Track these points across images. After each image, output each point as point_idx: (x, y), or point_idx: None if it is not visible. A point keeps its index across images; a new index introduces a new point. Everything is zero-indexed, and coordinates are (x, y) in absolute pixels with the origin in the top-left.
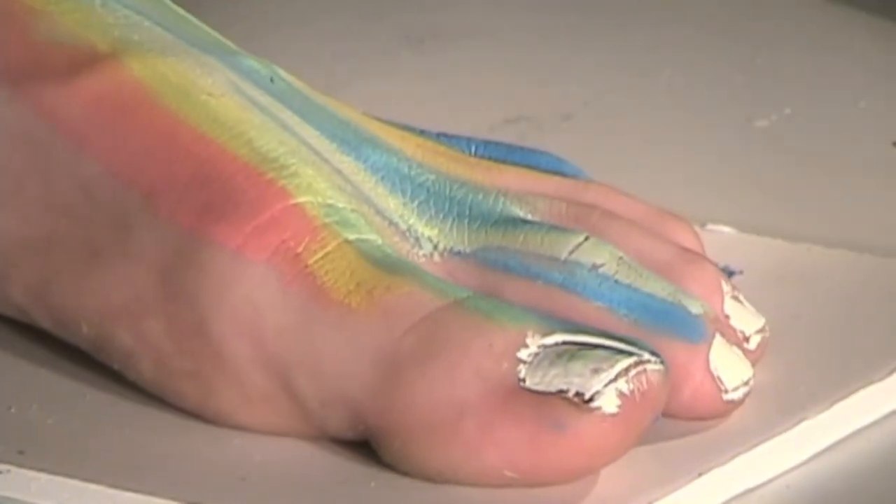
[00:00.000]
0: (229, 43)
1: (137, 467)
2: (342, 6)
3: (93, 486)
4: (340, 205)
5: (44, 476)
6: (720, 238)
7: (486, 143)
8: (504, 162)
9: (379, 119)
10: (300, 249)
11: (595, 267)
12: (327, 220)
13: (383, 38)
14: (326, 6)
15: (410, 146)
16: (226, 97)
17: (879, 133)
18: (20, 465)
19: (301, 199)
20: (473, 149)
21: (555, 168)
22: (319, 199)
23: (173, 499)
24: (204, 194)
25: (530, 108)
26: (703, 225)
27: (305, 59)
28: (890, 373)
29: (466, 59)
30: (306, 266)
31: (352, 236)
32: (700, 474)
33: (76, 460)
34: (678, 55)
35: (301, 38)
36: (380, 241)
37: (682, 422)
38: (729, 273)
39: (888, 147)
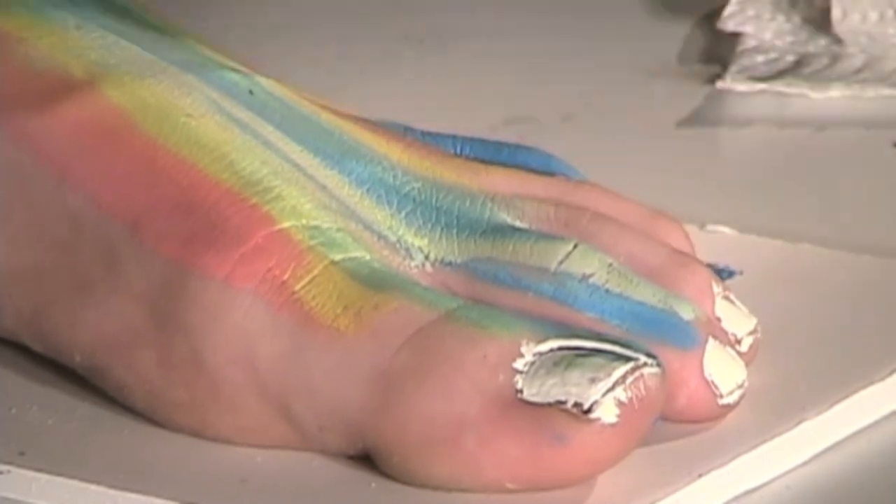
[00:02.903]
0: (209, 52)
1: (138, 468)
2: (342, 7)
3: (93, 487)
4: (326, 225)
5: (44, 477)
6: (719, 239)
7: (473, 142)
8: (491, 162)
9: (364, 120)
10: (286, 276)
11: (585, 277)
12: (312, 242)
13: (383, 38)
14: (327, 7)
15: (396, 151)
16: (206, 117)
17: (879, 133)
18: (20, 466)
19: (285, 224)
20: (459, 148)
21: (543, 166)
22: (304, 222)
23: (174, 500)
24: (188, 223)
25: (530, 108)
26: (702, 225)
27: (306, 61)
28: (890, 373)
29: (466, 59)
30: (293, 293)
31: (338, 257)
32: (700, 476)
33: (76, 461)
34: (677, 55)
35: (301, 40)
36: (368, 258)
37: (681, 423)
38: (729, 274)
39: (888, 147)
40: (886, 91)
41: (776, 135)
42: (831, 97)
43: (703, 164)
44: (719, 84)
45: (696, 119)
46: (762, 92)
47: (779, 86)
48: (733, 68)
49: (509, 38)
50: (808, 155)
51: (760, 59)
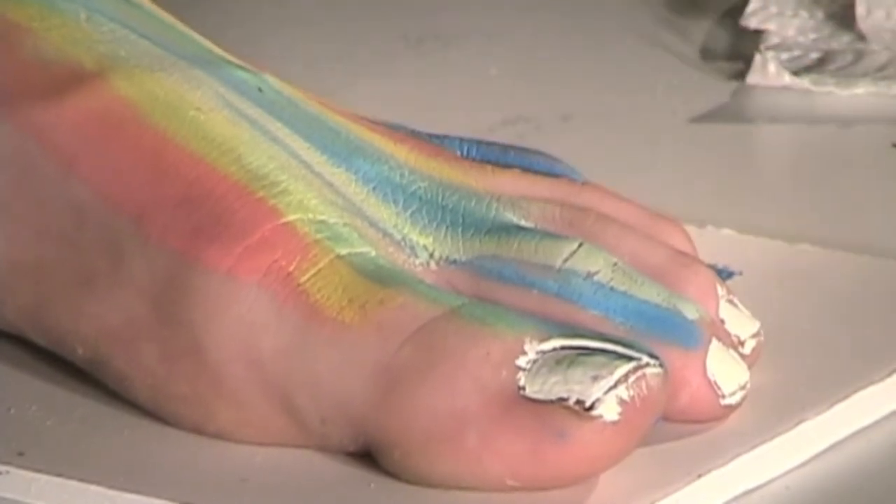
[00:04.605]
0: (218, 50)
1: (137, 468)
2: (341, 7)
3: (92, 488)
4: (332, 220)
5: (43, 477)
6: (719, 239)
7: (479, 144)
8: (497, 164)
9: (371, 121)
10: (292, 268)
11: (590, 275)
12: (318, 236)
13: (382, 39)
14: (325, 7)
15: (402, 151)
16: (214, 112)
17: (879, 133)
18: (20, 466)
19: (291, 217)
20: (466, 150)
21: (548, 169)
22: (310, 216)
23: (173, 500)
24: (194, 216)
25: (529, 108)
26: (702, 226)
27: (305, 61)
28: (890, 373)
29: (465, 60)
30: (299, 285)
31: (343, 251)
32: (699, 476)
33: (76, 461)
34: (677, 55)
35: (300, 40)
36: (373, 254)
37: (681, 423)
38: (728, 274)
39: (888, 147)
40: None
41: (777, 134)
42: (857, 94)
43: (702, 164)
44: (749, 79)
45: (707, 117)
46: (785, 90)
47: (805, 83)
48: (758, 64)
49: (508, 39)
50: (807, 155)
51: (784, 56)
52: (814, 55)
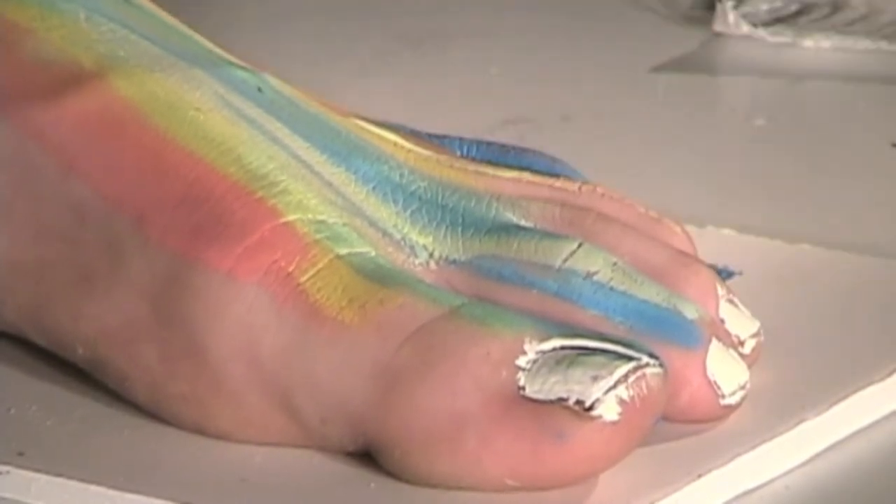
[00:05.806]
0: (218, 50)
1: (137, 468)
2: (341, 7)
3: (92, 488)
4: (331, 220)
5: (43, 477)
6: (719, 239)
7: (479, 144)
8: (497, 164)
9: (371, 121)
10: (291, 268)
11: (589, 275)
12: (318, 236)
13: (382, 39)
14: (325, 8)
15: (402, 151)
16: (214, 112)
17: (879, 133)
18: (20, 466)
19: (291, 217)
20: (465, 150)
21: (548, 169)
22: (310, 216)
23: (173, 500)
24: (194, 216)
25: (529, 109)
26: (702, 226)
27: (304, 61)
28: (890, 373)
29: (465, 60)
30: (298, 285)
31: (343, 251)
32: (699, 476)
33: (76, 461)
34: (676, 56)
35: (300, 40)
36: (373, 254)
37: (681, 423)
38: (728, 274)
39: (888, 147)
40: (875, 44)
41: (779, 127)
42: (822, 48)
43: (702, 165)
44: (716, 27)
45: (693, 119)
46: (747, 38)
47: (762, 33)
48: (719, 14)
49: (508, 40)
50: (808, 154)
51: (764, 6)
52: (794, 7)
